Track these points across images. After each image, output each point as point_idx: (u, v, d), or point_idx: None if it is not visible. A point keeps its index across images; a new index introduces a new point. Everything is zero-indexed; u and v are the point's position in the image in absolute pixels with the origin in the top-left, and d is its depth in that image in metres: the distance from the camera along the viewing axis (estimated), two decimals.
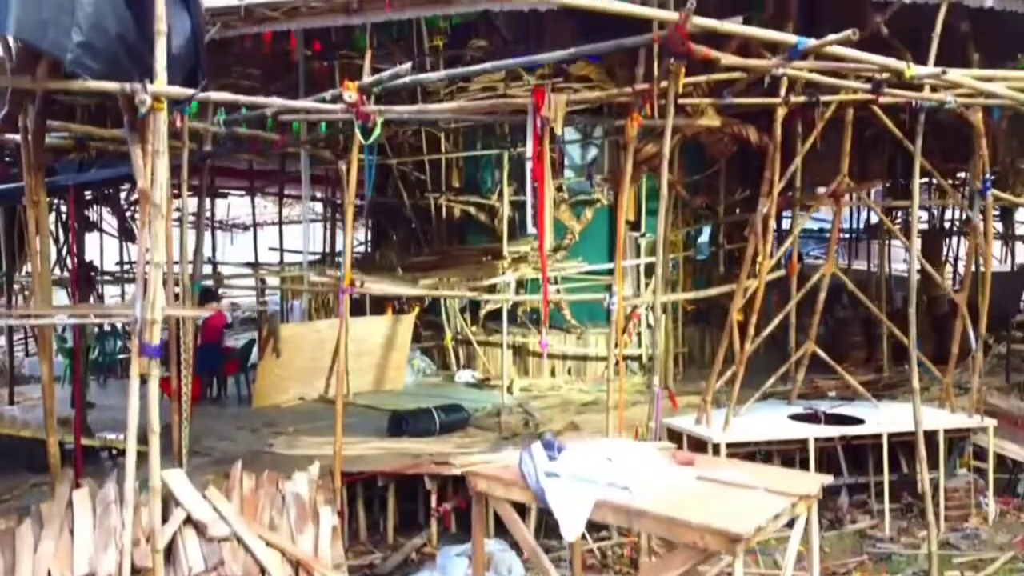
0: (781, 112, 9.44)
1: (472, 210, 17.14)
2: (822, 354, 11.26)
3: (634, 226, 15.80)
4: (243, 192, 23.25)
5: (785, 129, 9.81)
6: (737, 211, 16.37)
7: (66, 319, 7.78)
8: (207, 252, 19.52)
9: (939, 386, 11.74)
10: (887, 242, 20.15)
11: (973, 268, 11.31)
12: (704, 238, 19.05)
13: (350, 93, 8.04)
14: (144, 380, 6.23)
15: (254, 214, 22.25)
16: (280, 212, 24.74)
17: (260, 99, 8.10)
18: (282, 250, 23.77)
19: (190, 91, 6.11)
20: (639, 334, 15.99)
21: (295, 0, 8.66)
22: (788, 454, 10.52)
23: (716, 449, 9.80)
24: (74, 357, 10.75)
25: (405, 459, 10.35)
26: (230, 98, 7.84)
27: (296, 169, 20.98)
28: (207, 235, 20.10)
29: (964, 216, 17.28)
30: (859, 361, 15.41)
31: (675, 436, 10.50)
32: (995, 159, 11.43)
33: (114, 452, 10.83)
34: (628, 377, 13.54)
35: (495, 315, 16.02)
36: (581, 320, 16.23)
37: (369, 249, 21.87)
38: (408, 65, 7.94)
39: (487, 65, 8.47)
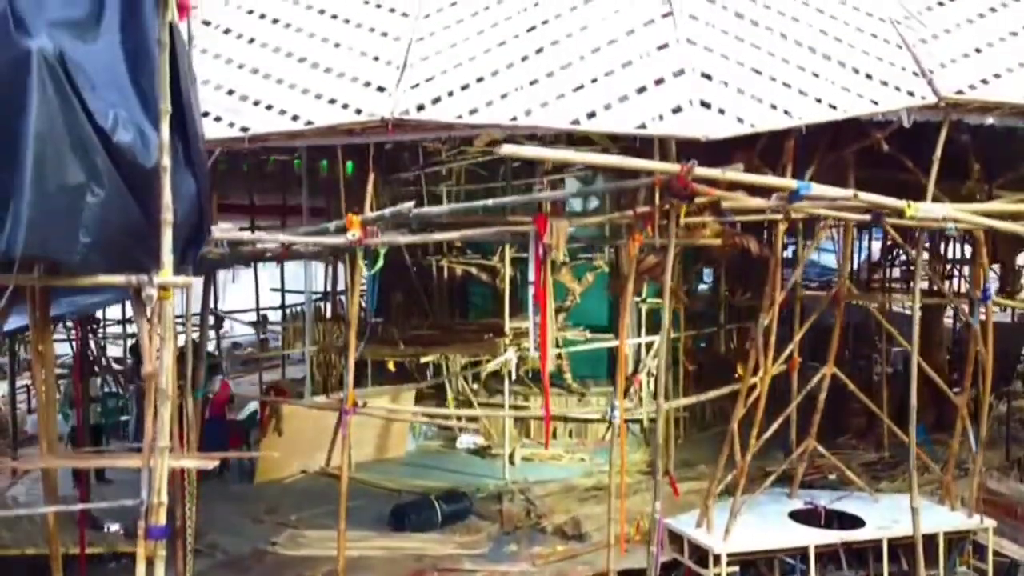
0: (782, 228, 9.47)
1: (473, 270, 17.17)
2: (823, 450, 11.34)
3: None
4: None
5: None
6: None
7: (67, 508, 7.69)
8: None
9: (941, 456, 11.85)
10: (888, 284, 20.23)
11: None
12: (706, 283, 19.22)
13: (354, 232, 8.09)
14: (150, 564, 6.25)
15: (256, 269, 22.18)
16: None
17: (264, 235, 8.12)
18: (283, 290, 23.83)
19: (195, 279, 6.13)
20: (640, 398, 16.07)
21: (298, 127, 8.67)
22: (790, 554, 10.56)
23: (717, 560, 9.84)
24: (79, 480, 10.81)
25: (407, 562, 10.44)
26: (235, 236, 7.89)
27: (297, 202, 21.08)
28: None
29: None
30: (860, 430, 15.46)
31: (676, 539, 10.54)
32: (995, 256, 11.46)
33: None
34: (629, 451, 13.51)
35: (497, 374, 16.04)
36: (581, 375, 16.28)
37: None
38: (412, 203, 7.99)
39: (489, 202, 8.51)
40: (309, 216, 20.63)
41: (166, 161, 6.01)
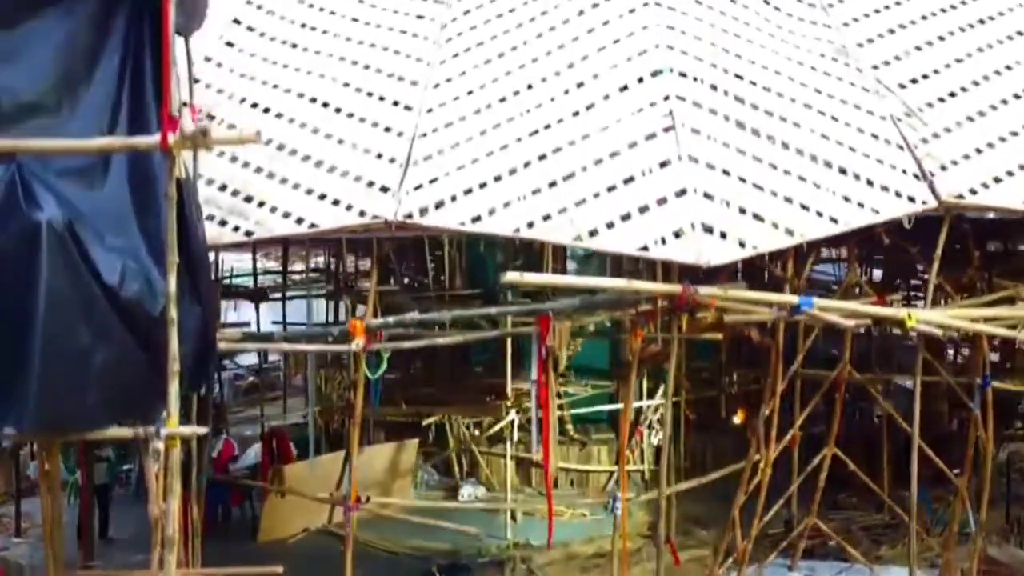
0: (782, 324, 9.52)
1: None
2: (823, 526, 11.42)
3: None
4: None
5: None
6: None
7: None
8: None
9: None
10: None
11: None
12: None
13: (358, 341, 8.14)
14: None
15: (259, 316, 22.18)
16: (284, 281, 24.74)
17: (269, 345, 8.18)
18: (285, 323, 23.83)
19: (203, 429, 6.19)
20: (642, 450, 16.16)
21: (303, 231, 8.72)
22: None
23: None
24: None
25: None
26: (240, 346, 7.94)
27: None
28: None
29: None
30: (859, 487, 15.44)
31: None
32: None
33: None
34: (631, 513, 13.53)
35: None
36: (580, 420, 16.35)
37: None
38: (415, 313, 8.05)
39: (492, 309, 8.57)
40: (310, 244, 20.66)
41: (174, 313, 6.05)
